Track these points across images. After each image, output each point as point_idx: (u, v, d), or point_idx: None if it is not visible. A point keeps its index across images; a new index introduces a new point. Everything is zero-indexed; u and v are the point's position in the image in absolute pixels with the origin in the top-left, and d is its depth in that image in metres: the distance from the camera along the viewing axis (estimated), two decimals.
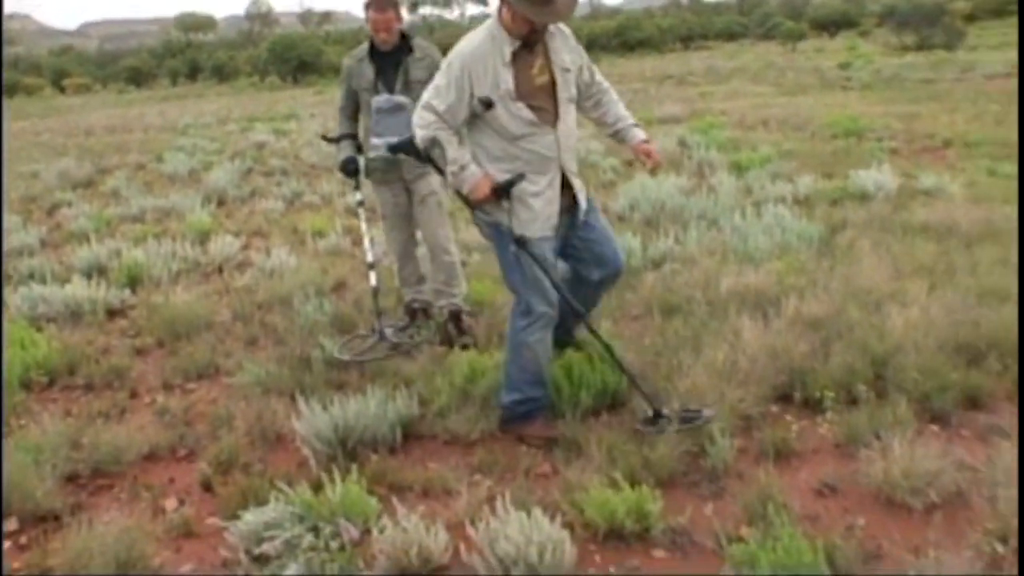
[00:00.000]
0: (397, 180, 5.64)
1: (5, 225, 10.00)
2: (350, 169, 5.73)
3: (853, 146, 13.04)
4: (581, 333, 4.73)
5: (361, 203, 5.87)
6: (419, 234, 5.85)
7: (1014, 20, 56.53)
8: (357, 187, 5.84)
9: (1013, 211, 7.80)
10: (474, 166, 4.08)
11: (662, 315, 5.58)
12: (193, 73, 76.21)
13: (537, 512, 3.29)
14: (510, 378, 4.36)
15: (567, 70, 4.13)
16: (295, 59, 62.29)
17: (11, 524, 3.81)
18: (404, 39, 5.53)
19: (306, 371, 5.15)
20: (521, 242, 4.08)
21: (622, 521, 3.41)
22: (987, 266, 6.13)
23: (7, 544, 3.71)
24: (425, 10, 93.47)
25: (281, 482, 3.73)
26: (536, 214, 4.11)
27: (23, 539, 3.75)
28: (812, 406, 4.39)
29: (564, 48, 4.14)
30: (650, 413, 4.14)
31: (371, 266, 5.77)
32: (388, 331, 5.57)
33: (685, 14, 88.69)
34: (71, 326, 6.47)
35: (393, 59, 5.50)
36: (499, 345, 5.18)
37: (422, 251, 5.98)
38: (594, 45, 60.45)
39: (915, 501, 3.48)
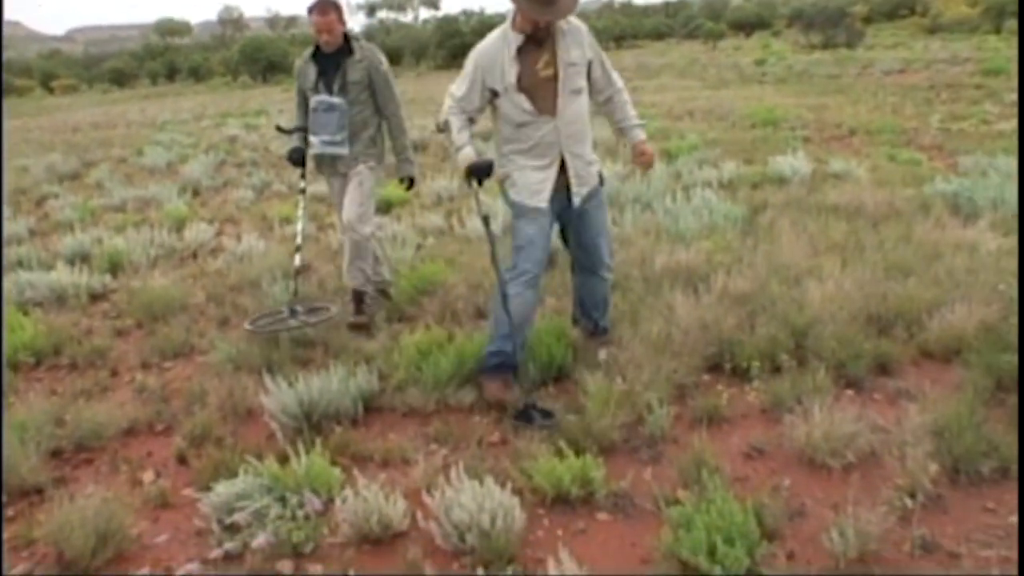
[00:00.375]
0: (336, 174, 5.54)
1: (5, 217, 9.72)
2: (295, 158, 5.59)
3: (770, 134, 13.12)
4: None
5: (302, 191, 5.68)
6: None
7: (904, 23, 57.47)
8: (303, 176, 5.66)
9: (912, 192, 7.86)
10: (468, 148, 4.17)
11: None
12: (171, 74, 74.59)
13: (489, 480, 3.22)
14: (491, 329, 4.37)
15: (573, 64, 4.15)
16: (264, 60, 61.32)
17: None
18: (347, 41, 5.35)
19: (274, 349, 5.02)
20: (485, 220, 4.22)
21: (568, 487, 3.34)
22: (892, 243, 6.17)
23: None
24: (382, 14, 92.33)
25: (250, 455, 3.62)
26: (531, 186, 4.22)
27: (9, 512, 3.62)
28: (740, 375, 4.35)
29: (574, 45, 4.15)
30: (521, 406, 4.00)
31: (298, 248, 5.62)
32: (299, 308, 5.39)
33: (617, 16, 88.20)
34: (56, 309, 6.30)
35: (335, 60, 5.33)
36: (452, 323, 5.14)
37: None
38: None
39: (834, 461, 3.46)
